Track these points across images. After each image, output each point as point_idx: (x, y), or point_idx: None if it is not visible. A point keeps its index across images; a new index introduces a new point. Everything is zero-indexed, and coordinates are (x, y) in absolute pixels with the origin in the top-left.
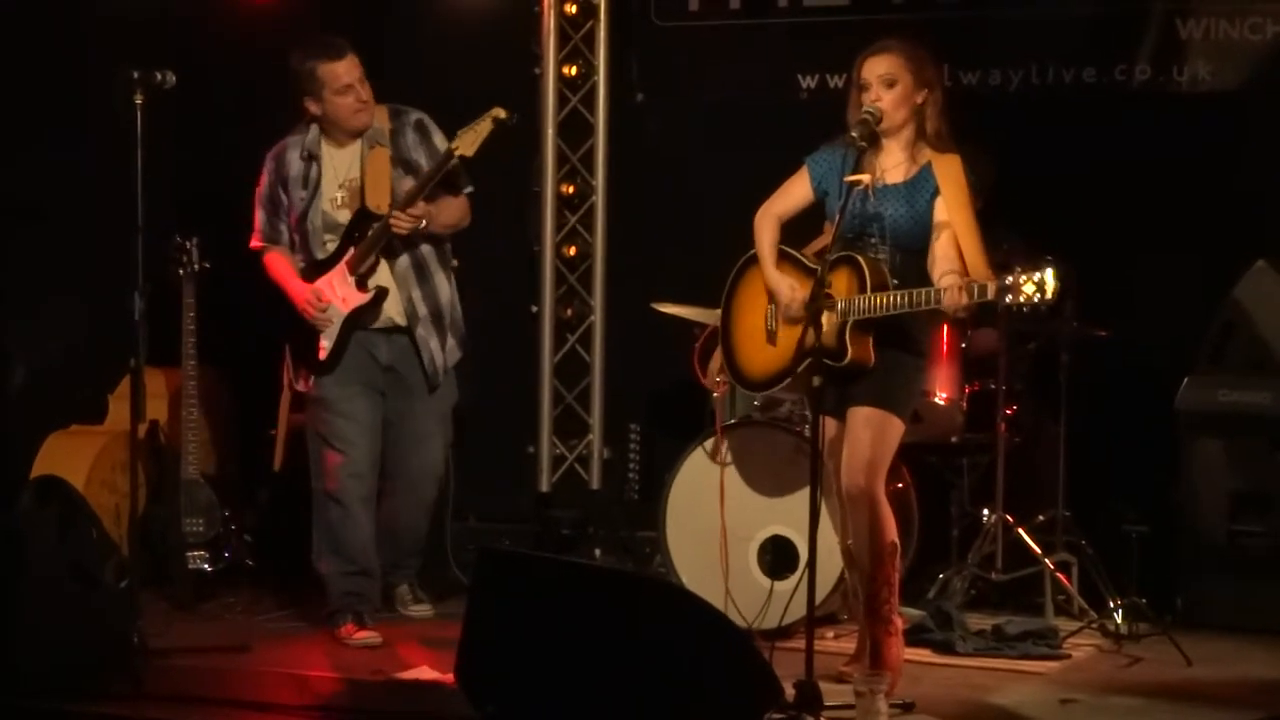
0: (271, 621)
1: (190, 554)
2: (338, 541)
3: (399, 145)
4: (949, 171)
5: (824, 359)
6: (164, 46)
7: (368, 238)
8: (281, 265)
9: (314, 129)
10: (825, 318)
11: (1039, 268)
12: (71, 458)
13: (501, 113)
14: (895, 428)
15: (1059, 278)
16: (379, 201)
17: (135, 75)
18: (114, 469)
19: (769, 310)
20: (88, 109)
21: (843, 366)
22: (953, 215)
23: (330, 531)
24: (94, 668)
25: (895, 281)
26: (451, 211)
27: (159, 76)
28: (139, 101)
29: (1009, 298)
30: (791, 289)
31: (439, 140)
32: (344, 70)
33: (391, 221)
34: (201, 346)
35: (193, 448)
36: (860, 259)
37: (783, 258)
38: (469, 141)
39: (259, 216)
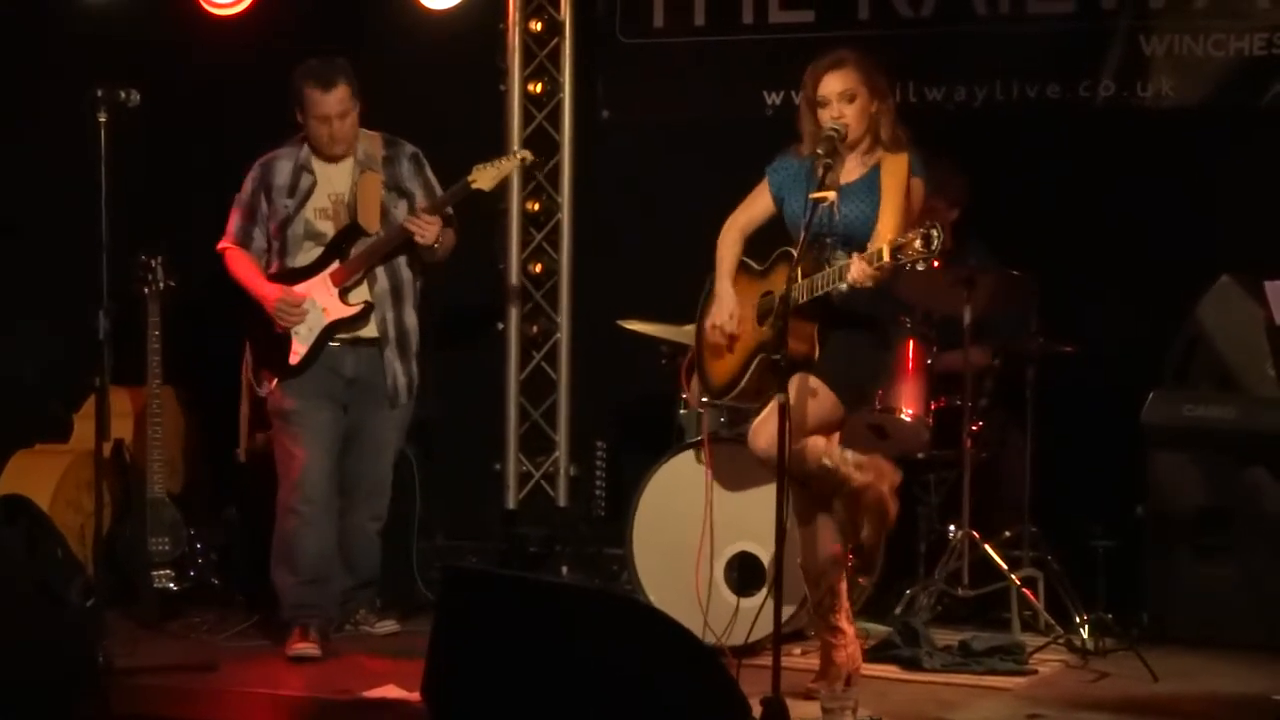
0: (237, 640)
1: (156, 573)
2: (292, 552)
3: (393, 173)
4: (893, 166)
5: (769, 354)
6: (133, 64)
7: (359, 253)
8: (247, 264)
9: (307, 144)
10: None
11: (925, 226)
12: (36, 477)
13: (528, 156)
14: (831, 404)
15: (941, 233)
16: (370, 220)
17: (99, 93)
18: (79, 488)
19: None
20: (55, 126)
21: (784, 358)
22: (883, 197)
23: (285, 542)
24: (60, 688)
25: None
26: (449, 240)
27: (123, 94)
28: (103, 119)
29: (901, 257)
30: (730, 315)
31: (432, 175)
32: (328, 102)
33: (412, 225)
34: (166, 365)
35: (158, 466)
36: (792, 251)
37: (742, 268)
38: (489, 177)
39: (234, 220)
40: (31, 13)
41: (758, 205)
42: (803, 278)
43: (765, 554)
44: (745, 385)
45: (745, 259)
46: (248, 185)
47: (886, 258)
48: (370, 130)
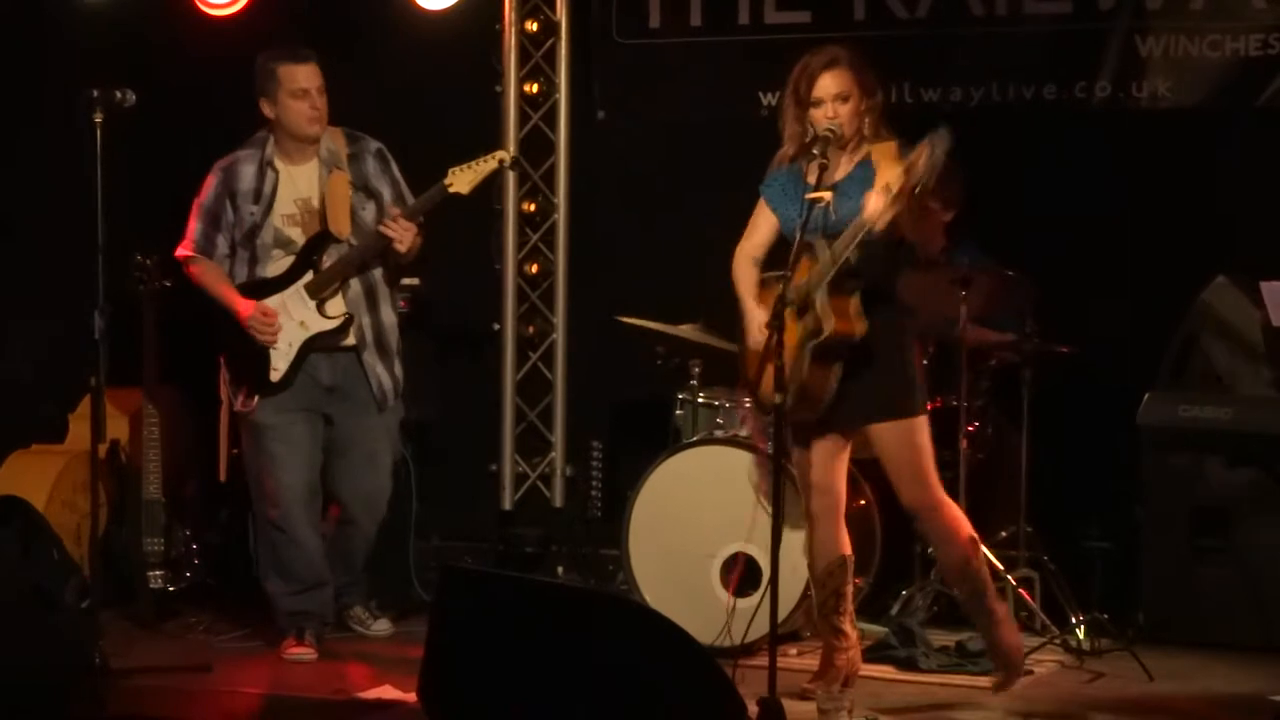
0: (233, 641)
1: (151, 573)
2: (282, 564)
3: (359, 171)
4: (883, 150)
5: (813, 342)
6: (128, 64)
7: (334, 264)
8: (216, 276)
9: (270, 144)
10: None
11: (925, 140)
12: (32, 477)
13: (506, 156)
14: (918, 426)
15: (948, 133)
16: (340, 226)
17: (95, 94)
18: (75, 489)
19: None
20: (51, 126)
21: (827, 340)
22: (878, 173)
23: (274, 555)
24: (55, 689)
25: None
26: (418, 242)
27: (119, 95)
28: (98, 120)
29: (912, 175)
30: (761, 330)
31: (398, 172)
32: (303, 75)
33: (389, 231)
34: (162, 365)
35: (153, 467)
36: (813, 243)
37: (764, 285)
38: (466, 180)
39: (195, 226)
40: (29, 13)
41: (761, 226)
42: (806, 275)
43: (761, 555)
44: (806, 381)
45: (770, 276)
46: (209, 190)
47: (898, 183)
48: (333, 126)
